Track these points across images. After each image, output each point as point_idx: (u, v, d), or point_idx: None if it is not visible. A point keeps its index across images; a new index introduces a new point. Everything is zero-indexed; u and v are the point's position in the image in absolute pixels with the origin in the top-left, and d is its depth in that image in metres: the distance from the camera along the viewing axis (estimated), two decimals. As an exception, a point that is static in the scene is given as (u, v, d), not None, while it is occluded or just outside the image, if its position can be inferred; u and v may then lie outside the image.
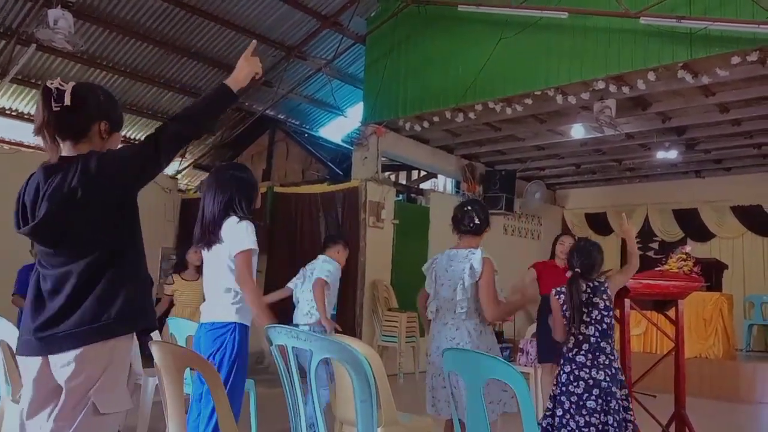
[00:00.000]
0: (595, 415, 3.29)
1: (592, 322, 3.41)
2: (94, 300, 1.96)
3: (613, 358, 3.37)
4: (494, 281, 3.44)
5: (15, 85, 8.63)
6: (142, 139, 2.06)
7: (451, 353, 2.56)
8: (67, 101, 1.98)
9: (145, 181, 2.07)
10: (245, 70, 2.27)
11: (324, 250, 5.25)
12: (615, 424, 3.24)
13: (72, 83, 2.03)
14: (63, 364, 1.94)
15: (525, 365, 6.18)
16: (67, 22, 6.79)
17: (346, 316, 8.41)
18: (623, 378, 3.41)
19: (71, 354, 1.94)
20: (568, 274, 5.53)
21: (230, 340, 2.92)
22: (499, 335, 9.58)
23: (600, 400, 3.29)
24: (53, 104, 1.98)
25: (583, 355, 3.38)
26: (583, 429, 3.29)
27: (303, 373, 2.53)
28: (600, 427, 3.26)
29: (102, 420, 1.95)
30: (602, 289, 3.46)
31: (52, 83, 1.99)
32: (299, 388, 2.38)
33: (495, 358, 2.38)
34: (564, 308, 3.50)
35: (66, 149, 2.05)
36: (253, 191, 3.16)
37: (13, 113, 8.99)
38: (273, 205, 9.48)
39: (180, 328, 4.32)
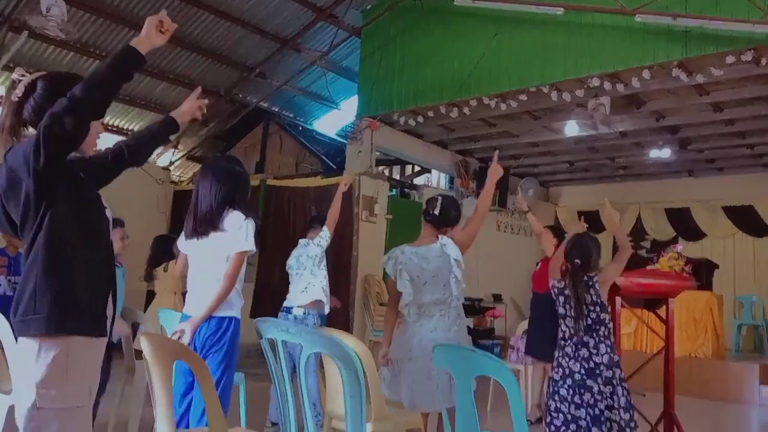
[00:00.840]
0: (564, 403, 3.39)
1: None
2: (17, 294, 1.92)
3: (594, 352, 3.40)
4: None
5: (7, 73, 8.53)
6: None
7: (442, 349, 2.55)
8: (18, 92, 1.96)
9: (43, 166, 1.85)
10: (152, 34, 2.08)
11: (308, 231, 5.16)
12: (588, 418, 3.29)
13: (36, 74, 2.00)
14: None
15: (515, 362, 6.19)
16: (60, 9, 6.73)
17: (338, 311, 8.38)
18: (612, 373, 3.38)
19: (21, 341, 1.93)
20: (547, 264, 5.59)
21: (228, 336, 2.90)
22: (490, 332, 9.59)
23: (572, 391, 3.37)
24: (12, 95, 1.97)
25: (570, 346, 3.47)
26: (552, 414, 3.43)
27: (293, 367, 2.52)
28: (569, 416, 3.35)
29: (46, 414, 1.84)
30: (590, 283, 3.49)
31: (15, 75, 1.99)
32: (288, 382, 2.37)
33: (486, 354, 2.37)
34: (557, 303, 3.55)
35: None
36: (248, 186, 3.16)
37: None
38: (266, 198, 9.44)
39: (170, 320, 4.29)
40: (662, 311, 4.77)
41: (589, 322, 3.42)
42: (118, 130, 10.13)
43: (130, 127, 10.30)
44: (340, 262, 8.38)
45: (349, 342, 2.79)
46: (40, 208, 1.90)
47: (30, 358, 1.85)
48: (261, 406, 4.85)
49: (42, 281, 1.87)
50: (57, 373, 1.84)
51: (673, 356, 4.62)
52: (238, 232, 2.93)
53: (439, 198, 3.60)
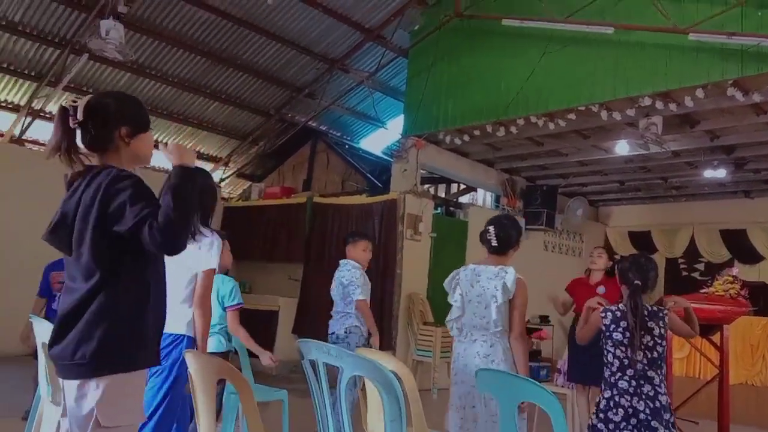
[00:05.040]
0: None
1: (642, 347, 3.17)
2: (76, 332, 1.92)
3: (660, 390, 3.13)
4: (526, 306, 3.40)
5: (68, 93, 8.90)
6: (141, 210, 1.87)
7: (486, 374, 2.52)
8: (80, 116, 1.99)
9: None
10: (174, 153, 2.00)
11: (347, 246, 5.15)
12: None
13: (86, 98, 2.03)
14: (68, 387, 1.97)
15: (562, 386, 6.06)
16: (118, 32, 6.99)
17: (381, 329, 8.37)
18: (669, 416, 3.16)
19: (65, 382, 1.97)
20: (601, 290, 5.39)
21: (176, 353, 2.88)
22: (537, 354, 9.40)
23: None
24: (70, 122, 2.00)
25: (626, 381, 3.17)
26: None
27: (333, 383, 2.51)
28: None
29: None
30: (660, 315, 3.22)
31: (66, 102, 2.01)
32: (329, 402, 2.37)
33: (529, 380, 2.33)
34: (611, 328, 3.26)
35: (96, 161, 2.07)
36: (215, 198, 3.15)
37: (64, 120, 9.26)
38: (312, 215, 9.55)
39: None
40: (716, 337, 4.62)
41: (655, 355, 3.15)
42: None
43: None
44: (383, 280, 8.39)
45: (390, 364, 2.77)
46: (119, 245, 1.94)
47: (89, 386, 1.91)
48: (307, 420, 4.85)
49: (114, 326, 1.93)
50: (119, 390, 1.92)
51: (727, 385, 4.46)
52: (209, 249, 2.93)
53: (491, 228, 3.49)
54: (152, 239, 1.82)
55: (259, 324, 9.04)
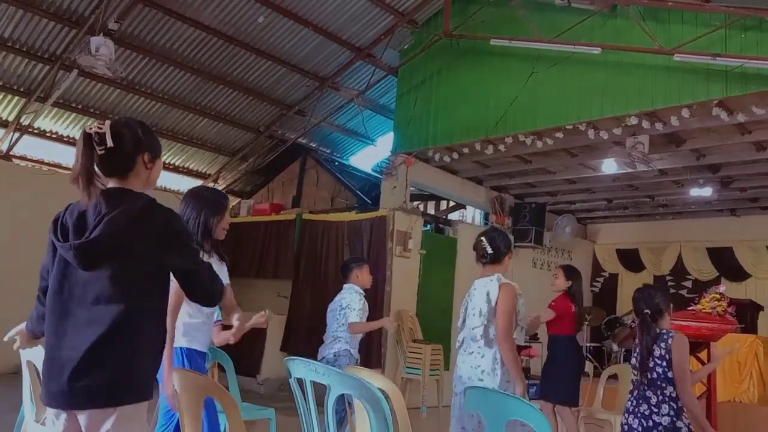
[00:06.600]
0: None
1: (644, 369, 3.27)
2: (103, 366, 1.93)
3: (656, 411, 3.17)
4: (512, 310, 3.42)
5: (56, 109, 8.89)
6: (196, 256, 2.19)
7: (473, 392, 2.52)
8: (110, 143, 1.98)
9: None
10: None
11: (346, 277, 5.17)
12: None
13: (108, 123, 2.02)
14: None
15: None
16: (109, 49, 7.01)
17: (370, 347, 8.35)
18: None
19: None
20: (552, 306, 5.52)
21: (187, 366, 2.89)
22: (526, 371, 9.41)
23: None
24: (97, 149, 1.98)
25: (630, 401, 3.29)
26: None
27: (321, 402, 2.50)
28: None
29: None
30: (664, 337, 3.27)
31: (90, 128, 1.99)
32: (316, 421, 2.36)
33: (518, 398, 2.33)
34: (634, 355, 3.40)
35: (112, 183, 2.07)
36: (216, 214, 3.11)
37: (53, 136, 9.25)
38: (301, 232, 9.54)
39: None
40: (704, 355, 4.64)
41: (654, 376, 3.21)
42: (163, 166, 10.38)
43: (172, 162, 10.57)
44: (373, 298, 8.35)
45: (378, 382, 2.77)
46: (151, 278, 2.03)
47: (107, 412, 1.94)
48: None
49: (141, 360, 1.99)
50: (130, 412, 1.98)
51: (715, 401, 4.48)
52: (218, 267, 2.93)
53: (482, 239, 3.61)
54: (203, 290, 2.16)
55: (246, 341, 8.96)
